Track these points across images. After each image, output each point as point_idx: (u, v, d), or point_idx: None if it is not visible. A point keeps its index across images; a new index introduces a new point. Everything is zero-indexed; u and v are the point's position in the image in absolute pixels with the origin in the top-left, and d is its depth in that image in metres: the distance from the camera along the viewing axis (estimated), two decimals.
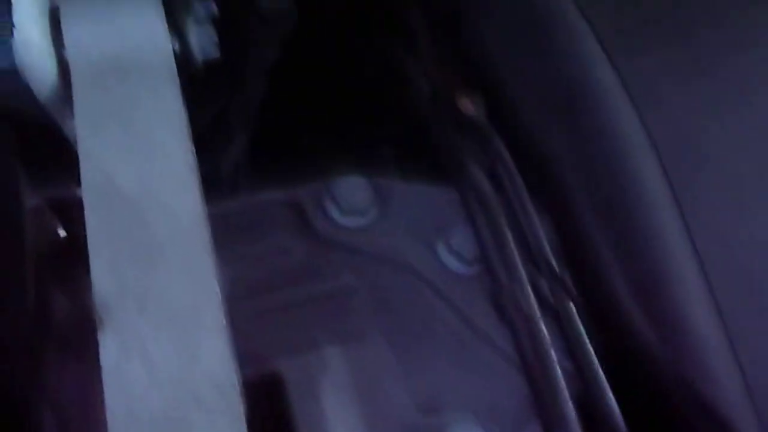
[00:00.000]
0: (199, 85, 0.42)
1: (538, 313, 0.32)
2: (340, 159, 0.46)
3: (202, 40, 0.36)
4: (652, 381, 0.33)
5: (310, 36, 0.49)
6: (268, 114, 0.52)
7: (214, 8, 0.45)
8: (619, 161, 0.35)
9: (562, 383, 0.32)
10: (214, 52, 0.36)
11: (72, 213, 0.39)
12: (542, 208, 0.36)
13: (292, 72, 0.51)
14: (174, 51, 0.35)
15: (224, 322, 0.27)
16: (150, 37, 0.32)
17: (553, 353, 0.32)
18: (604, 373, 0.32)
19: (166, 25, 0.33)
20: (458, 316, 0.38)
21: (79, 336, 0.37)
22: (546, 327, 0.32)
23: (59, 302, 0.38)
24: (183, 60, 0.35)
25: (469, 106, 0.45)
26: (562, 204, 0.36)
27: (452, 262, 0.40)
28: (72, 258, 0.41)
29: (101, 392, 0.25)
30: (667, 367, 0.33)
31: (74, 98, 0.31)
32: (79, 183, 0.37)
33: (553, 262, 0.33)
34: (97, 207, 0.28)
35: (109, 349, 0.25)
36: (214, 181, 0.55)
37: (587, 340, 0.32)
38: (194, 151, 0.32)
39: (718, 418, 0.31)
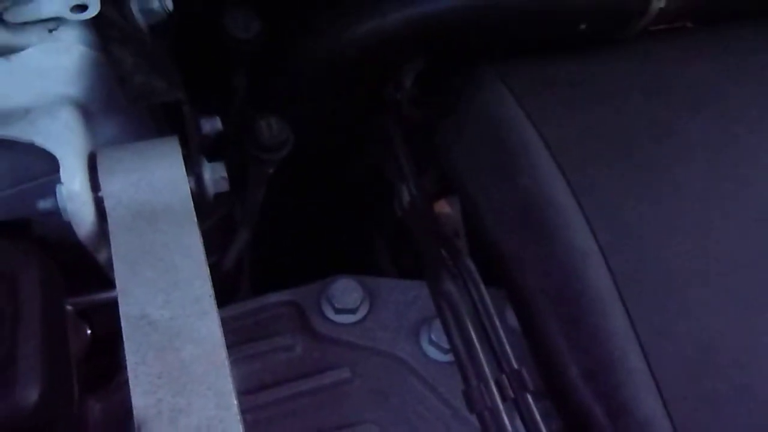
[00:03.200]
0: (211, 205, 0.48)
1: (500, 405, 0.38)
2: (336, 257, 0.52)
3: (214, 177, 0.42)
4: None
5: (305, 150, 0.55)
6: (268, 219, 0.58)
7: (219, 123, 0.52)
8: (568, 261, 0.41)
9: None
10: (225, 187, 0.42)
11: (96, 317, 0.45)
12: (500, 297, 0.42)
13: (290, 181, 0.57)
14: (191, 189, 0.42)
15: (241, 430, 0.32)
16: (172, 183, 0.38)
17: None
18: None
19: (185, 171, 0.39)
20: (441, 399, 0.44)
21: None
22: (509, 418, 0.38)
23: (92, 403, 0.43)
24: (198, 195, 0.41)
25: (446, 207, 0.51)
26: (520, 299, 0.42)
27: (433, 352, 0.45)
28: (99, 359, 0.46)
29: None
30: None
31: (111, 239, 0.37)
32: (100, 290, 0.43)
33: (512, 358, 0.39)
34: (134, 334, 0.33)
35: None
36: (219, 274, 0.60)
37: (543, 428, 0.37)
38: (210, 279, 0.38)
39: None
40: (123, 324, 0.35)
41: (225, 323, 0.39)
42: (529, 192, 0.44)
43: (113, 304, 0.38)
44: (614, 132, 0.49)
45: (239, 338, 0.44)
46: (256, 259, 0.59)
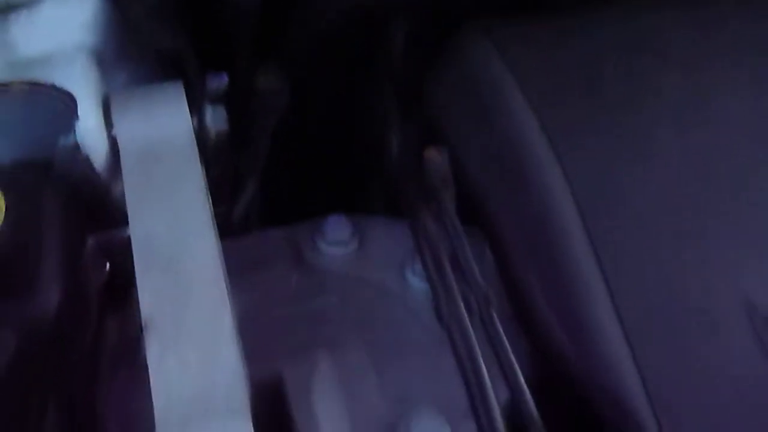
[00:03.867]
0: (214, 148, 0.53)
1: (465, 315, 0.42)
2: (334, 201, 0.56)
3: (215, 117, 0.47)
4: (564, 377, 0.42)
5: (304, 102, 0.59)
6: (273, 167, 0.63)
7: (225, 78, 0.56)
8: (537, 196, 0.45)
9: (489, 388, 0.41)
10: (224, 126, 0.47)
11: (114, 251, 0.50)
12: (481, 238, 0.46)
13: (292, 131, 0.62)
14: (193, 128, 0.46)
15: (235, 334, 0.37)
16: (176, 122, 0.42)
17: (481, 359, 0.41)
18: (526, 375, 0.41)
19: (188, 111, 0.43)
20: (422, 326, 0.48)
21: (126, 352, 0.47)
22: (478, 339, 0.42)
23: (109, 326, 0.48)
24: (201, 132, 0.46)
25: (435, 155, 0.55)
26: (493, 234, 0.45)
27: (417, 282, 0.49)
28: (116, 288, 0.51)
29: (143, 392, 0.35)
30: (575, 363, 0.42)
31: (123, 170, 0.41)
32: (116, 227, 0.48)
33: (480, 280, 0.43)
34: (141, 253, 0.38)
35: (153, 348, 0.35)
36: (229, 224, 0.65)
37: (509, 347, 0.41)
38: (211, 204, 0.43)
39: (618, 404, 0.40)
40: (133, 244, 0.39)
41: (227, 254, 0.44)
42: (505, 136, 0.47)
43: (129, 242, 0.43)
44: (590, 82, 0.52)
45: (240, 267, 0.48)
46: (261, 203, 0.63)
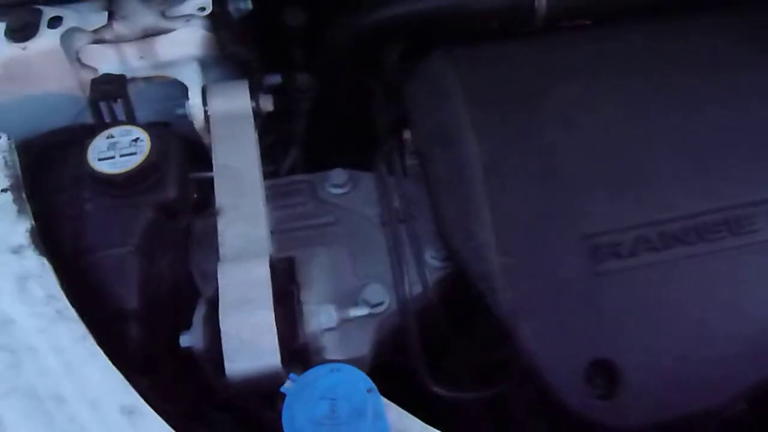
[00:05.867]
0: (268, 127, 0.82)
1: (400, 232, 0.71)
2: (346, 159, 0.84)
3: (265, 102, 0.76)
4: (458, 266, 0.69)
5: (329, 93, 0.88)
6: (309, 139, 0.92)
7: (279, 78, 0.85)
8: (458, 161, 0.71)
9: (405, 272, 0.69)
10: (270, 107, 0.76)
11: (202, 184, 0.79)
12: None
13: (320, 115, 0.91)
14: (252, 108, 0.75)
15: (266, 224, 0.66)
16: (243, 103, 0.73)
17: (403, 254, 0.69)
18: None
19: (249, 97, 0.73)
20: (387, 229, 0.75)
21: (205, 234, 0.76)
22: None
23: (197, 221, 0.77)
24: (257, 110, 0.74)
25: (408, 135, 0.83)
26: (429, 183, 0.73)
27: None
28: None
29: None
30: (462, 256, 0.68)
31: (211, 130, 0.72)
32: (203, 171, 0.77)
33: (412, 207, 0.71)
34: (218, 175, 0.68)
35: (221, 223, 0.65)
36: (278, 176, 0.95)
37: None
38: (259, 153, 0.72)
39: (484, 280, 0.66)
40: (214, 170, 0.69)
41: (271, 187, 0.73)
42: (445, 125, 0.74)
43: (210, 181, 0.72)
44: (513, 92, 0.76)
45: (277, 195, 0.77)
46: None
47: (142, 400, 0.50)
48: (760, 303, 0.65)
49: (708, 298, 0.66)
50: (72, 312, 0.53)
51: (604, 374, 0.63)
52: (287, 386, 0.52)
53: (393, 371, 0.73)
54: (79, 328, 0.52)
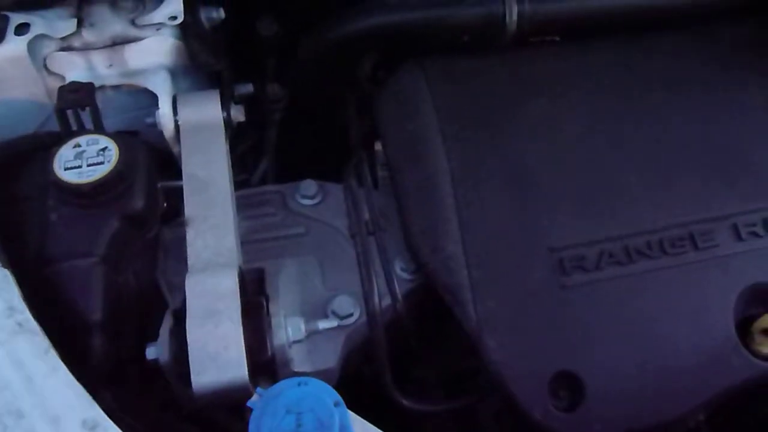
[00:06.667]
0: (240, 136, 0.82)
1: (366, 233, 0.71)
2: (317, 170, 0.84)
3: (236, 112, 0.76)
4: (427, 278, 0.69)
5: (301, 103, 0.88)
6: (280, 149, 0.92)
7: (251, 87, 0.85)
8: (426, 172, 0.72)
9: (375, 284, 0.70)
10: (242, 117, 0.76)
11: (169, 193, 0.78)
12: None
13: (293, 125, 0.91)
14: (223, 118, 0.75)
15: (235, 234, 0.66)
16: (213, 114, 0.72)
17: (372, 267, 0.70)
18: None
19: (220, 108, 0.73)
20: (356, 241, 0.75)
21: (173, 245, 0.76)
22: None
23: (165, 230, 0.76)
24: (227, 120, 0.74)
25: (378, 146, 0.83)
26: (397, 193, 0.73)
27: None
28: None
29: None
30: (431, 268, 0.68)
31: (181, 139, 0.71)
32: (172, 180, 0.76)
33: (380, 219, 0.72)
34: (187, 185, 0.68)
35: (190, 234, 0.65)
36: (249, 185, 0.94)
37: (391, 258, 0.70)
38: (230, 164, 0.72)
39: (452, 294, 0.67)
40: (183, 179, 0.69)
41: (241, 198, 0.73)
42: (415, 135, 0.75)
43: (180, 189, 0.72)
44: (483, 105, 0.77)
45: (247, 205, 0.77)
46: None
47: (104, 415, 0.50)
48: (719, 316, 0.67)
49: (670, 312, 0.67)
50: (34, 324, 0.52)
51: (568, 387, 0.64)
52: (254, 400, 0.52)
53: (362, 382, 0.74)
54: (41, 341, 0.51)
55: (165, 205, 0.73)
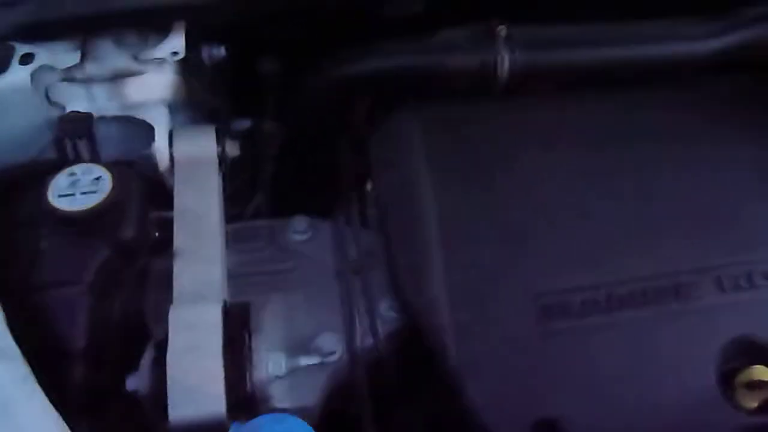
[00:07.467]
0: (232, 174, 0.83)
1: (353, 284, 0.71)
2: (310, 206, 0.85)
3: (232, 147, 0.77)
4: (410, 320, 0.69)
5: (297, 141, 0.90)
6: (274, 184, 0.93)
7: (248, 123, 0.86)
8: (414, 215, 0.73)
9: (357, 322, 0.69)
10: (236, 152, 0.77)
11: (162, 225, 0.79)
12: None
13: (288, 162, 0.92)
14: (218, 152, 0.76)
15: (223, 266, 0.66)
16: (208, 149, 0.74)
17: (355, 307, 0.70)
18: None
19: (215, 143, 0.74)
20: (342, 279, 0.75)
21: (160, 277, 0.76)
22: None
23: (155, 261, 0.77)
24: (222, 155, 0.75)
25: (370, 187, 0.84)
26: (386, 234, 0.74)
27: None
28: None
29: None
30: (415, 310, 0.69)
31: (175, 172, 0.72)
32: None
33: (364, 257, 0.72)
34: (178, 216, 0.69)
35: (178, 265, 0.65)
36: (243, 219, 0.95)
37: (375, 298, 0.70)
38: (222, 197, 0.73)
39: (435, 337, 0.67)
40: (175, 211, 0.70)
41: (230, 232, 0.74)
42: (406, 180, 0.76)
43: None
44: (475, 153, 0.78)
45: (238, 239, 0.78)
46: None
47: None
48: (701, 368, 0.67)
49: (652, 362, 0.67)
50: (15, 351, 0.53)
51: None
52: None
53: (344, 423, 0.73)
54: (20, 369, 0.51)
55: (157, 235, 0.74)
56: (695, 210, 0.76)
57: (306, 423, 0.54)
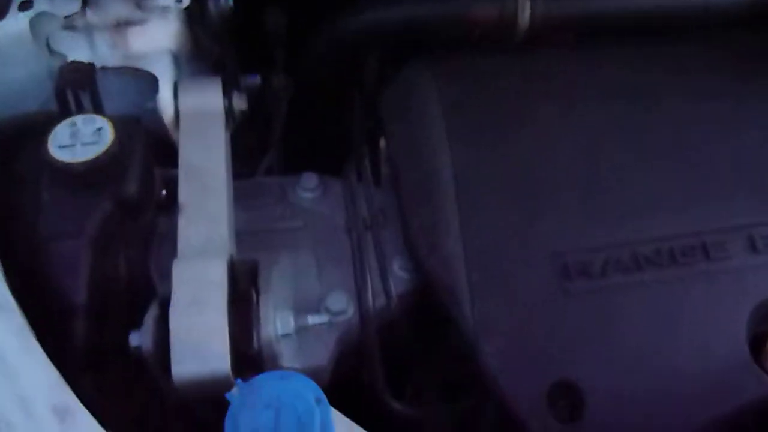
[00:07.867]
0: (243, 128, 0.80)
1: (362, 228, 0.68)
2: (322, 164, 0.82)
3: (239, 100, 0.74)
4: (424, 277, 0.67)
5: (307, 97, 0.87)
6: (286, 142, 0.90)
7: (258, 79, 0.83)
8: (429, 170, 0.70)
9: (368, 280, 0.67)
10: (244, 106, 0.74)
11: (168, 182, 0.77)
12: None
13: (298, 119, 0.89)
14: (224, 105, 0.73)
15: (229, 223, 0.64)
16: (214, 100, 0.71)
17: (367, 264, 0.68)
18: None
19: (221, 94, 0.71)
20: (353, 237, 0.73)
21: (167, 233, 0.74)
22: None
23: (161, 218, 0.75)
24: (228, 107, 0.72)
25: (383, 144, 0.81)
26: (399, 191, 0.71)
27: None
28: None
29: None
30: (428, 265, 0.66)
31: (180, 124, 0.70)
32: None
33: (380, 216, 0.70)
34: (182, 172, 0.66)
35: (182, 220, 0.63)
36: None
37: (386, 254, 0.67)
38: (229, 151, 0.70)
39: (449, 295, 0.64)
40: (179, 166, 0.67)
41: (238, 189, 0.71)
42: (420, 133, 0.73)
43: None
44: (490, 107, 0.75)
45: (247, 196, 0.75)
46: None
47: (77, 401, 0.48)
48: (730, 330, 0.63)
49: (678, 324, 0.64)
50: (11, 303, 0.51)
51: (567, 397, 0.61)
52: (233, 392, 0.50)
53: (360, 389, 0.71)
54: (16, 319, 0.49)
55: (164, 193, 0.72)
56: (726, 168, 0.72)
57: (313, 381, 0.52)
